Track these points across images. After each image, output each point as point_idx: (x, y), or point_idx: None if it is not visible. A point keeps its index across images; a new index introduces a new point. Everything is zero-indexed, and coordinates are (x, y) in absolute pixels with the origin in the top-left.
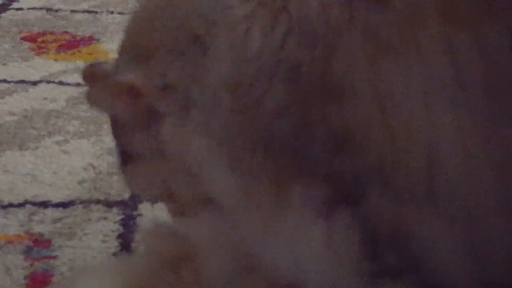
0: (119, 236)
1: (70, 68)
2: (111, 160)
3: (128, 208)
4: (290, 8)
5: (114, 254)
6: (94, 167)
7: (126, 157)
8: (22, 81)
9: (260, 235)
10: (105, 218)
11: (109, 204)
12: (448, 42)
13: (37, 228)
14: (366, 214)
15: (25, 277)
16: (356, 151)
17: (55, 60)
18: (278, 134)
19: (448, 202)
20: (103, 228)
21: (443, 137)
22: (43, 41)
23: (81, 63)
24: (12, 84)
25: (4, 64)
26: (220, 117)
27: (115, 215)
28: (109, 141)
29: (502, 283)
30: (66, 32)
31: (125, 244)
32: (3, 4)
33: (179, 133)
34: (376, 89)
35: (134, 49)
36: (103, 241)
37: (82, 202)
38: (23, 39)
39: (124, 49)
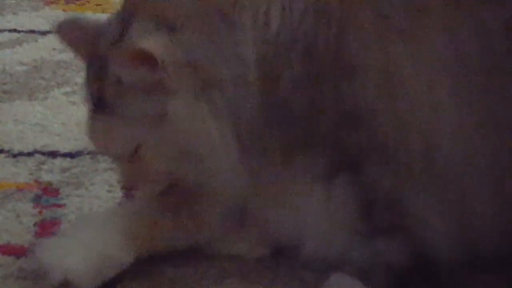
0: (124, 187)
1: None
2: None
3: None
4: None
5: (120, 203)
6: None
7: (102, 105)
8: (32, 31)
9: (263, 202)
10: (111, 169)
11: None
12: (450, 27)
13: (46, 177)
14: (366, 181)
15: (35, 224)
16: (362, 125)
17: (64, 10)
18: (293, 108)
19: (442, 181)
20: (109, 178)
21: (443, 121)
22: None
23: (90, 14)
24: (22, 33)
25: (14, 13)
26: (243, 97)
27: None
28: None
29: (485, 257)
30: None
31: (130, 194)
32: None
33: (189, 113)
34: (386, 70)
35: (157, 15)
36: (109, 191)
37: (89, 152)
38: None
39: (143, 10)
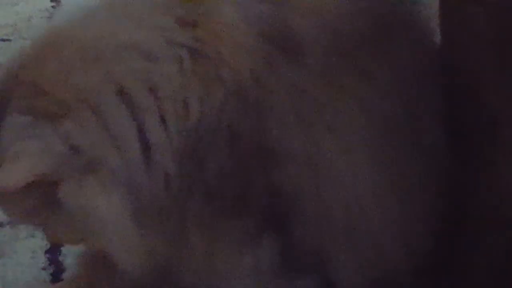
0: (47, 251)
1: None
2: None
3: None
4: (223, 76)
5: (43, 268)
6: None
7: None
8: None
9: (186, 266)
10: (32, 236)
11: None
12: (362, 98)
13: None
14: (290, 241)
15: None
16: (288, 200)
17: None
18: (219, 187)
19: (360, 237)
20: (31, 245)
21: (362, 185)
22: None
23: None
24: None
25: None
26: (143, 174)
27: (42, 232)
28: None
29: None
30: None
31: (53, 258)
32: None
33: (76, 195)
34: (308, 152)
35: (42, 100)
36: (32, 257)
37: (9, 222)
38: None
39: (20, 95)
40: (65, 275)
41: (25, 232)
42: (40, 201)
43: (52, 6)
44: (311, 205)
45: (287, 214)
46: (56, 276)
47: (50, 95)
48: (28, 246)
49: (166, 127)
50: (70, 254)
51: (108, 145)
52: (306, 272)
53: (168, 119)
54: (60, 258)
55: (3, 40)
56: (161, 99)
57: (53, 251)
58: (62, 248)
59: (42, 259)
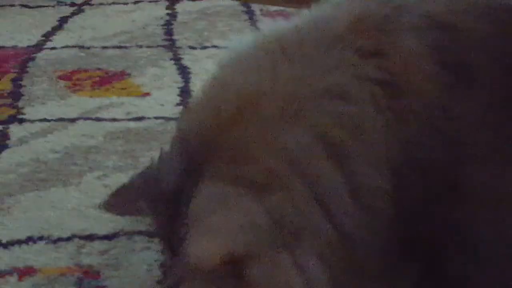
0: (162, 264)
1: (105, 103)
2: None
3: None
4: (416, 109)
5: (159, 282)
6: None
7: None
8: (61, 119)
9: None
10: (148, 248)
11: (150, 235)
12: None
13: (85, 260)
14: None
15: None
16: (459, 235)
17: (91, 96)
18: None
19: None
20: (146, 258)
21: None
22: (78, 79)
23: (115, 98)
24: (52, 122)
25: (43, 104)
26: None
27: (157, 244)
28: None
29: None
30: (99, 69)
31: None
32: (37, 45)
33: (267, 272)
34: (495, 188)
35: (246, 168)
36: (148, 270)
37: (125, 233)
38: (59, 77)
39: (216, 160)
40: None
41: (141, 244)
42: (229, 281)
43: (167, 14)
44: (479, 240)
45: (446, 247)
46: None
47: (256, 163)
48: (143, 259)
49: (377, 171)
50: None
51: (317, 212)
52: None
53: (378, 162)
54: None
55: (119, 47)
56: (368, 142)
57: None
58: None
59: (157, 272)
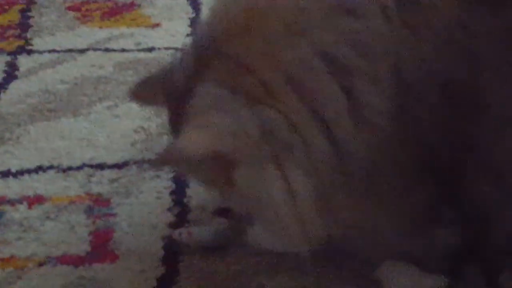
0: (172, 192)
1: (115, 34)
2: (160, 122)
3: None
4: (434, 24)
5: (169, 209)
6: (144, 129)
7: None
8: (70, 50)
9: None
10: (157, 176)
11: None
12: None
13: (96, 189)
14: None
15: (89, 234)
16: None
17: (100, 27)
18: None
19: None
20: (156, 186)
21: None
22: (87, 10)
23: (124, 29)
24: (61, 53)
25: (52, 35)
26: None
27: (167, 173)
28: None
29: None
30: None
31: (178, 199)
32: None
33: (253, 180)
34: None
35: (245, 79)
36: (158, 198)
37: (135, 162)
38: (68, 8)
39: (220, 64)
40: (190, 217)
41: (151, 172)
42: (216, 174)
43: None
44: (498, 159)
45: (465, 164)
46: (181, 217)
47: (255, 75)
48: (153, 187)
49: (379, 88)
50: (195, 196)
51: (312, 127)
52: (450, 224)
53: (381, 79)
54: (185, 200)
55: None
56: (372, 59)
57: (178, 192)
58: (187, 190)
59: (167, 200)
